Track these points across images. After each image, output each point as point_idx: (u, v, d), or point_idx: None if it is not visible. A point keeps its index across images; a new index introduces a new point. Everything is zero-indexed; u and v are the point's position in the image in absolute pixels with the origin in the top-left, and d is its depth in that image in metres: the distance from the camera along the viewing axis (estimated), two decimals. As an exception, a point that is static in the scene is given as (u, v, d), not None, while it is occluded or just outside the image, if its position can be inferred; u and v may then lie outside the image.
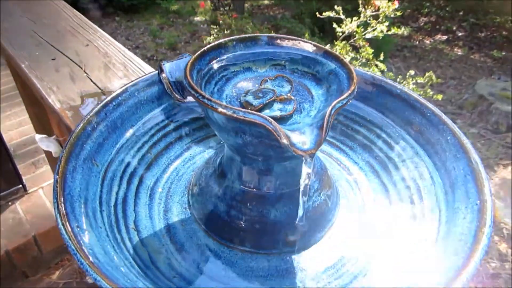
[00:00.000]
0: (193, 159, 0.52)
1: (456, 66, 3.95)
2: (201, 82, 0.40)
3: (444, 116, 0.48)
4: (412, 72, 2.59)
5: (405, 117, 0.50)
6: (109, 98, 0.49)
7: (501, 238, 1.97)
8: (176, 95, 0.52)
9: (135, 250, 0.40)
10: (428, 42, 4.39)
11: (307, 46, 0.44)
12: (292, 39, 0.44)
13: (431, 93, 2.58)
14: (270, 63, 0.44)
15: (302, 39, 0.44)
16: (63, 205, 0.36)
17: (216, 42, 0.43)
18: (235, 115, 0.33)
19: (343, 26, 2.66)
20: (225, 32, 2.64)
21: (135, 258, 0.39)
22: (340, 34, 2.66)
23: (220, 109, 0.34)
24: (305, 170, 0.35)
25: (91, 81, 0.76)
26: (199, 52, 0.41)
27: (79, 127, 0.44)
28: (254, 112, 0.33)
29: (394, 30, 2.70)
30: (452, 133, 0.45)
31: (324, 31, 3.41)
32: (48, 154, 1.36)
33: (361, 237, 0.44)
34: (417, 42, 4.36)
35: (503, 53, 4.03)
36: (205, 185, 0.46)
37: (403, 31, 2.70)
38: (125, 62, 0.81)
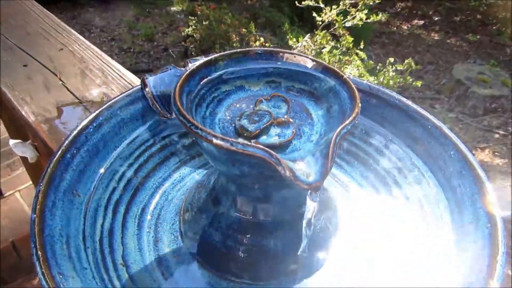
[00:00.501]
0: (183, 180, 0.49)
1: (433, 51, 3.99)
2: (192, 106, 0.37)
3: (445, 128, 0.46)
4: (391, 59, 2.60)
5: (404, 128, 0.48)
6: (88, 119, 0.45)
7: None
8: (161, 111, 0.48)
9: (125, 290, 0.37)
10: (405, 27, 4.42)
11: (304, 61, 0.41)
12: (287, 53, 0.41)
13: (411, 79, 2.59)
14: (264, 80, 0.41)
15: (297, 53, 0.41)
16: (42, 249, 0.33)
17: (205, 60, 0.39)
18: (233, 148, 0.30)
19: (322, 15, 2.64)
20: (204, 23, 2.58)
21: (126, 299, 0.36)
22: (320, 23, 2.64)
23: (215, 141, 0.31)
24: (310, 203, 0.33)
25: (68, 89, 0.71)
26: (187, 72, 0.38)
27: (57, 155, 0.40)
28: (253, 145, 0.30)
29: (373, 18, 2.70)
30: (455, 148, 0.43)
31: (303, 20, 3.38)
32: (23, 159, 1.30)
33: (365, 261, 0.42)
34: (395, 28, 4.38)
35: (478, 37, 4.09)
36: (198, 212, 0.43)
37: (380, 17, 2.70)
38: (103, 67, 0.76)
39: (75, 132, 0.43)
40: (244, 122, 0.36)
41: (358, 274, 0.41)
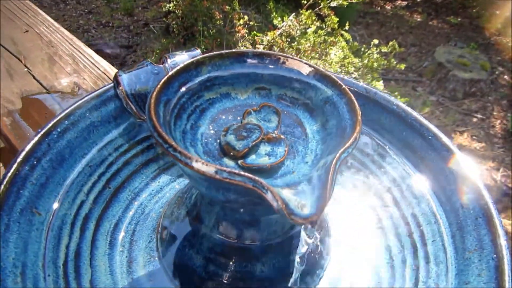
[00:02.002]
0: (161, 191, 0.44)
1: (416, 32, 3.97)
2: (170, 118, 0.32)
3: (445, 139, 0.43)
4: (376, 41, 2.56)
5: (402, 138, 0.45)
6: (52, 123, 0.39)
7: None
8: (136, 112, 0.43)
9: (93, 324, 0.33)
10: (389, 8, 4.37)
11: (297, 65, 0.36)
12: (279, 56, 0.36)
13: (395, 62, 2.57)
14: (252, 86, 0.36)
15: (291, 56, 0.36)
16: (-6, 287, 0.28)
17: (186, 63, 0.34)
18: (217, 177, 0.26)
19: (308, -7, 2.57)
20: (185, -2, 2.47)
21: (94, 336, 0.32)
22: (305, 2, 2.57)
23: (197, 167, 0.27)
24: (305, 239, 0.29)
25: (34, 77, 0.65)
26: (165, 78, 0.33)
27: (13, 168, 0.35)
28: (242, 173, 0.26)
29: (357, -2, 2.64)
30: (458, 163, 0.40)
31: (288, -2, 3.29)
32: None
33: (357, 283, 0.39)
34: (379, 8, 4.33)
35: (459, 19, 4.09)
36: (177, 230, 0.38)
37: (365, -4, 2.65)
38: (73, 53, 0.69)
39: (35, 139, 0.37)
40: (231, 138, 0.32)
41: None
